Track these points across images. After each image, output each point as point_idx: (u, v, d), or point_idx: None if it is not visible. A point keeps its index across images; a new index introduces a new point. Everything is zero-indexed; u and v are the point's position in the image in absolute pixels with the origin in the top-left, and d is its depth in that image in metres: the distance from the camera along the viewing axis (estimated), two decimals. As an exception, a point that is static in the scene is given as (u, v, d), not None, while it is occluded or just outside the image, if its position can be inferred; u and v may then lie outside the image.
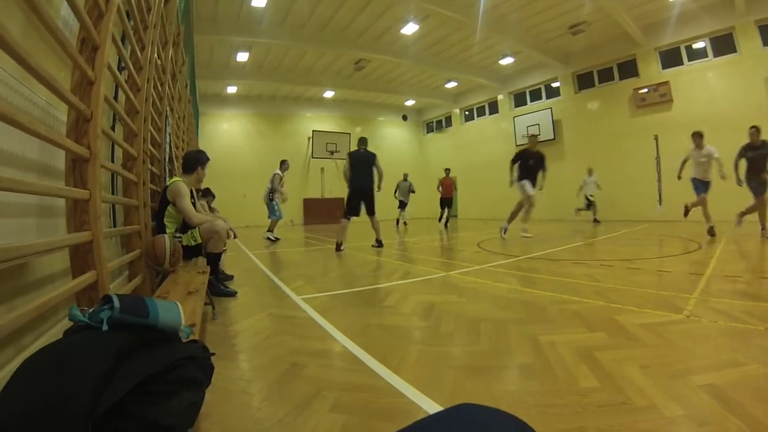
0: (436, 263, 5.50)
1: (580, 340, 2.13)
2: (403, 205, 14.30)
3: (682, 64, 13.44)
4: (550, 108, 16.76)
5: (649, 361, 1.85)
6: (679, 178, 7.95)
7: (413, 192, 14.28)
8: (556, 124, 16.61)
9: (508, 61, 16.27)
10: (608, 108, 15.18)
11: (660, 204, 13.13)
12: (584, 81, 16.05)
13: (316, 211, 18.32)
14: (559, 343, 2.11)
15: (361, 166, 7.39)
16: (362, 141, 7.60)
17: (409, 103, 21.52)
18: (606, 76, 15.40)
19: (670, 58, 13.66)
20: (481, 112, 20.19)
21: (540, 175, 8.30)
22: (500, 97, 18.81)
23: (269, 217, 9.62)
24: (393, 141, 22.25)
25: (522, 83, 17.90)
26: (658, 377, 1.67)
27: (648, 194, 13.73)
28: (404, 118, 22.57)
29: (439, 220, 13.68)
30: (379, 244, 7.39)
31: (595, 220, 13.07)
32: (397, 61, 15.07)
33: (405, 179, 14.32)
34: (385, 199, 17.15)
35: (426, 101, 21.10)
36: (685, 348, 2.06)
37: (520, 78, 17.82)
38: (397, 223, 14.51)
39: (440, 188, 13.46)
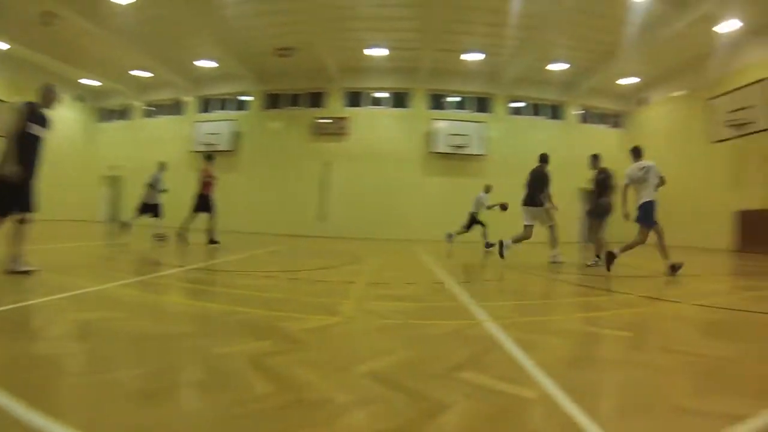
0: (90, 274, 4.66)
1: (250, 350, 2.13)
2: (153, 210, 9.71)
3: (362, 105, 16.48)
4: (235, 120, 17.21)
5: (316, 360, 2.02)
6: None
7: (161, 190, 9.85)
8: (236, 137, 17.07)
9: (207, 63, 15.89)
10: (290, 130, 16.78)
11: (323, 221, 15.32)
12: (273, 101, 17.34)
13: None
14: (230, 354, 2.06)
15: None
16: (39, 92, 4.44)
17: (90, 82, 17.96)
18: (294, 101, 17.10)
19: (355, 99, 16.54)
20: (165, 110, 18.94)
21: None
22: (188, 98, 18.11)
23: None
24: (58, 123, 17.70)
25: (214, 89, 17.81)
26: (326, 373, 1.82)
27: (313, 212, 15.78)
28: (80, 98, 18.53)
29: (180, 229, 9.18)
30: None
31: (488, 245, 9.78)
32: (96, 29, 12.41)
33: (162, 169, 9.90)
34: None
35: (110, 85, 18.15)
36: (346, 345, 2.38)
37: (213, 84, 17.63)
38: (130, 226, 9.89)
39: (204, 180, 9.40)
